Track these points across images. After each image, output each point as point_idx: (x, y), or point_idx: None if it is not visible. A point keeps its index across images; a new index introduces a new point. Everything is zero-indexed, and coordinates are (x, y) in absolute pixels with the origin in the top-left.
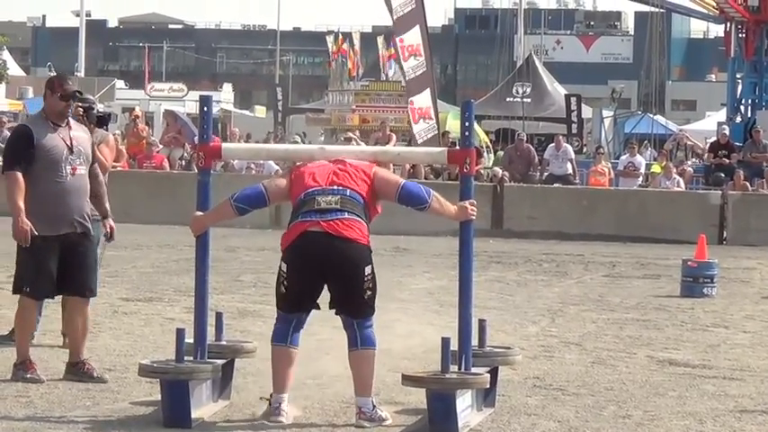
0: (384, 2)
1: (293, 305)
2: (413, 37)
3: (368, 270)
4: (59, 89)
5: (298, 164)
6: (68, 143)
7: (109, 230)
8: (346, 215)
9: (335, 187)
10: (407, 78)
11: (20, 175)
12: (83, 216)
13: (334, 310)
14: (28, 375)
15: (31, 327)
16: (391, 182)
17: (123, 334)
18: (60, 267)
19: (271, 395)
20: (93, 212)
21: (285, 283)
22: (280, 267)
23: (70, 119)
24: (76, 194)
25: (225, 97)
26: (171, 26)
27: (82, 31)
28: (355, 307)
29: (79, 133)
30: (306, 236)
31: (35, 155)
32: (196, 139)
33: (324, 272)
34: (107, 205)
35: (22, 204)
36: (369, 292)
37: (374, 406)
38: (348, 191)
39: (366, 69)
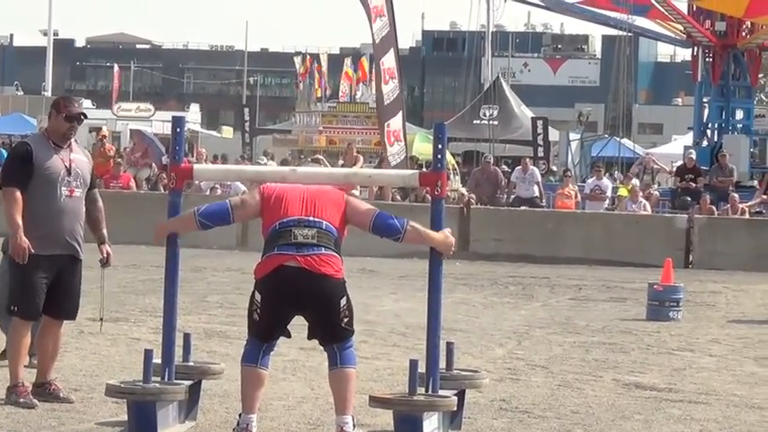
0: (369, 26)
1: (266, 334)
2: (389, 60)
3: (343, 302)
4: (64, 110)
5: (267, 184)
6: (67, 165)
7: (105, 256)
8: (323, 250)
9: (312, 218)
10: (385, 102)
11: (18, 192)
12: (75, 239)
13: (304, 332)
14: (21, 400)
15: (22, 348)
16: (365, 213)
17: (90, 354)
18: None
19: (239, 415)
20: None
21: (258, 311)
22: (253, 296)
23: (72, 141)
24: (71, 217)
25: (192, 117)
26: (138, 46)
27: (49, 51)
28: (333, 335)
29: (79, 156)
30: (282, 270)
31: (33, 173)
32: (164, 158)
33: (299, 305)
34: (104, 231)
35: (20, 221)
36: (346, 319)
37: (354, 425)
38: (324, 223)
39: (333, 90)
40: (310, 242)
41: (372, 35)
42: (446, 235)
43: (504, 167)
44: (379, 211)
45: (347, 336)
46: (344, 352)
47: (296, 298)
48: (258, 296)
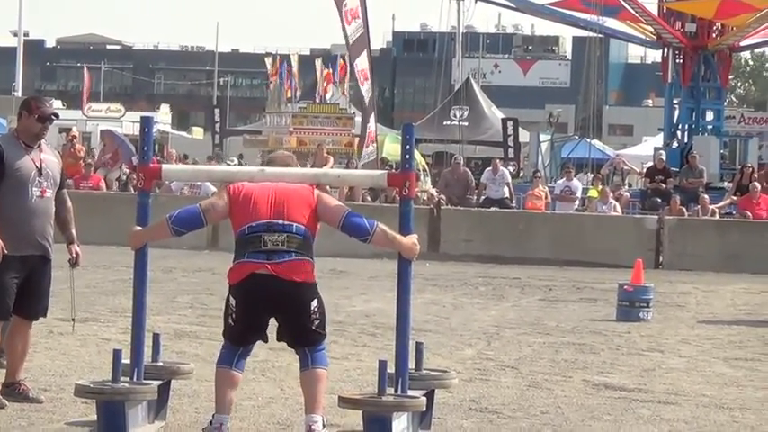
0: (341, 29)
1: (241, 338)
2: (363, 62)
3: (314, 304)
4: (37, 111)
5: (234, 183)
6: (38, 165)
7: (75, 256)
8: (293, 256)
9: (281, 222)
10: (366, 104)
11: None
12: (46, 239)
13: (283, 342)
14: None
15: None
16: (335, 210)
17: (59, 354)
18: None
19: (213, 415)
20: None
21: (233, 316)
22: (228, 300)
23: (42, 142)
24: (41, 217)
25: (162, 118)
26: (109, 47)
27: (20, 51)
28: (304, 338)
29: (50, 157)
30: (253, 278)
31: (4, 173)
32: (134, 159)
33: (270, 309)
34: (73, 231)
35: None
36: (317, 322)
37: (324, 424)
38: (294, 226)
39: (304, 91)
40: (280, 249)
41: (346, 37)
42: (413, 242)
43: (474, 169)
44: (350, 210)
45: (318, 339)
46: (316, 354)
47: (268, 303)
48: (233, 301)
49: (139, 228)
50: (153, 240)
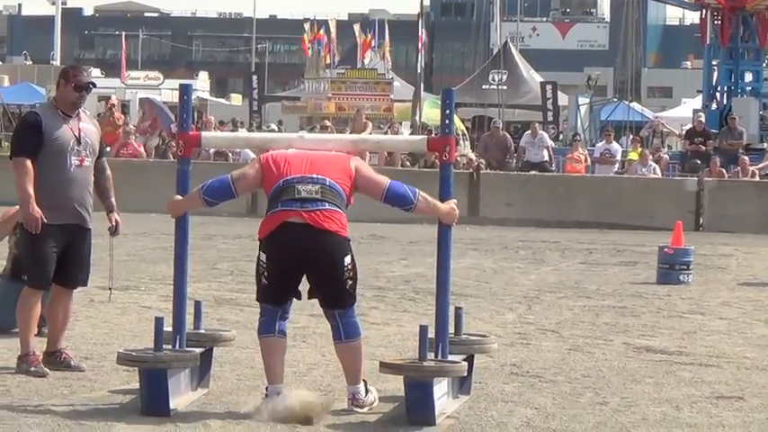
0: None
1: (275, 297)
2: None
3: (347, 260)
4: (74, 79)
5: (268, 152)
6: (76, 134)
7: (114, 224)
8: (327, 206)
9: (315, 175)
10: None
11: (29, 161)
12: (84, 208)
13: (314, 300)
14: (32, 369)
15: (32, 317)
16: (377, 182)
17: (100, 322)
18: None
19: (266, 387)
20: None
21: (265, 273)
22: (258, 258)
23: (81, 111)
24: (80, 186)
25: (201, 85)
26: (147, 14)
27: (57, 20)
28: (335, 297)
29: (88, 126)
30: (285, 226)
31: (43, 142)
32: (173, 126)
33: (303, 263)
34: (113, 199)
35: (31, 191)
36: (350, 281)
37: (367, 390)
38: (328, 180)
39: (342, 57)
40: (314, 197)
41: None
42: (452, 207)
43: (513, 133)
44: (392, 181)
45: (349, 301)
46: (349, 324)
47: (300, 255)
48: (263, 256)
49: (178, 197)
50: (189, 209)
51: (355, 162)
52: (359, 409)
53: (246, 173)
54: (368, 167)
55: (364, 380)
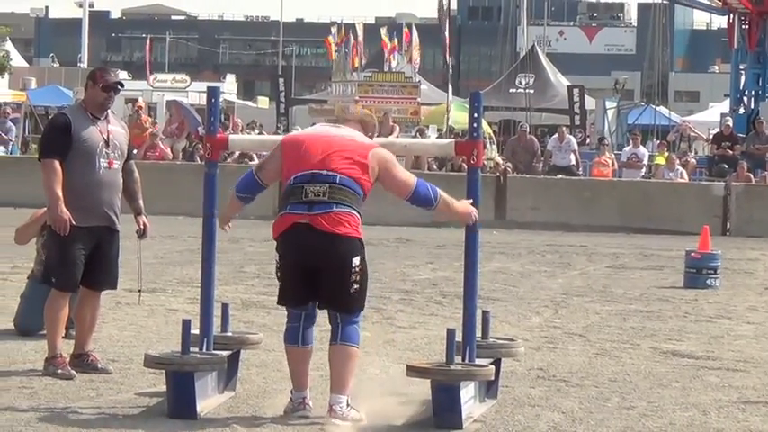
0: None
1: (294, 298)
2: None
3: (356, 261)
4: (101, 80)
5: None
6: (105, 136)
7: (142, 227)
8: (335, 208)
9: (325, 172)
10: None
11: (57, 163)
12: (113, 210)
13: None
14: (59, 371)
15: (60, 320)
16: (404, 182)
17: (127, 325)
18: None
19: (291, 391)
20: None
21: (281, 271)
22: (275, 258)
23: (109, 113)
24: (109, 188)
25: (228, 88)
26: (174, 17)
27: (85, 22)
28: (339, 300)
29: (117, 128)
30: (294, 228)
31: (71, 144)
32: (200, 129)
33: (312, 262)
34: (141, 202)
35: (60, 193)
36: (355, 286)
37: (348, 405)
38: (338, 177)
39: (369, 60)
40: (322, 200)
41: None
42: (466, 206)
43: (540, 136)
44: (419, 181)
45: (353, 306)
46: (348, 327)
47: (309, 254)
48: (277, 255)
49: (223, 210)
50: (235, 213)
51: (378, 156)
52: (338, 422)
53: (267, 160)
54: (394, 163)
55: (348, 396)
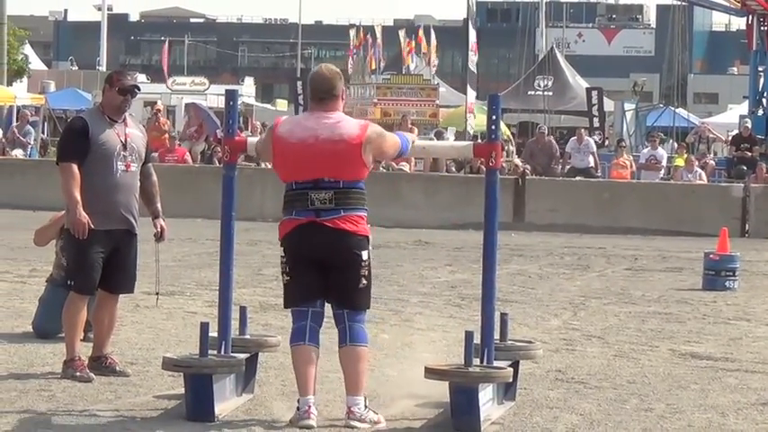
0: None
1: (301, 296)
2: (472, 35)
3: (365, 255)
4: (117, 83)
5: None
6: (122, 139)
7: (160, 230)
8: (342, 212)
9: (328, 179)
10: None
11: (75, 166)
12: (131, 213)
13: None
14: (77, 374)
15: (78, 323)
16: (394, 149)
17: (145, 328)
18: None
19: (298, 400)
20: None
21: (287, 271)
22: (280, 259)
23: (127, 116)
24: (126, 191)
25: (246, 91)
26: (192, 20)
27: (103, 25)
28: (348, 296)
29: (134, 131)
30: (302, 227)
31: (89, 148)
32: (218, 132)
33: (321, 257)
34: (159, 205)
35: (78, 196)
36: (364, 281)
37: (366, 406)
38: (342, 182)
39: (387, 63)
40: (328, 207)
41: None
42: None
43: (559, 138)
44: (402, 140)
45: (361, 306)
46: (355, 327)
47: (318, 249)
48: (283, 254)
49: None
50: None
51: (369, 140)
52: (356, 424)
53: (262, 143)
54: (384, 137)
55: (364, 397)
